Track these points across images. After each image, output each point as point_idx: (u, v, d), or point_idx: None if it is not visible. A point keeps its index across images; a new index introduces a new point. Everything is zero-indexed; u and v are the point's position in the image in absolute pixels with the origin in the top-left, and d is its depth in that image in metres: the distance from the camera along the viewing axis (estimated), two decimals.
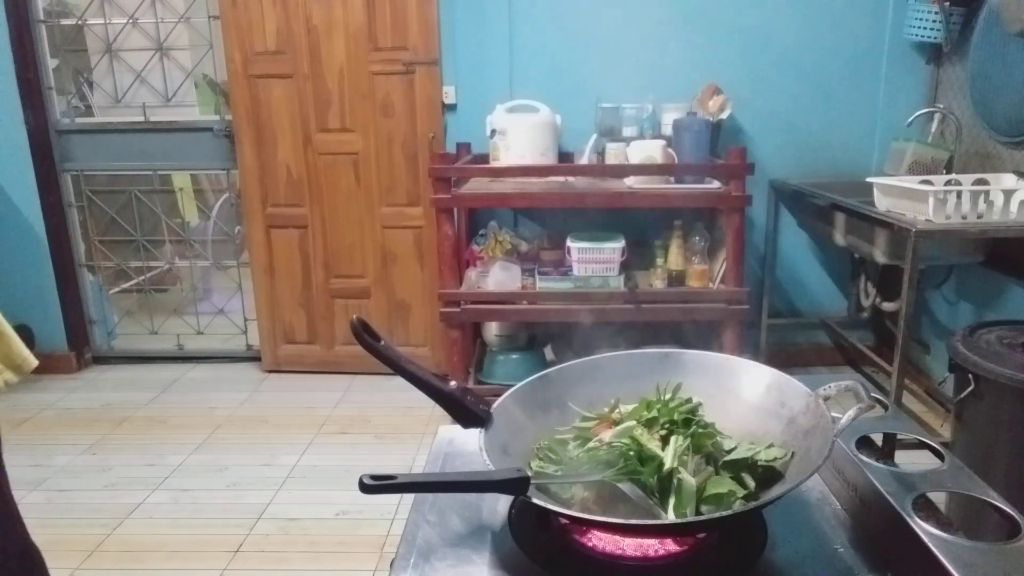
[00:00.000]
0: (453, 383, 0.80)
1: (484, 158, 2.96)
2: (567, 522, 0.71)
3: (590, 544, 0.71)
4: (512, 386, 0.85)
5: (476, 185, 2.86)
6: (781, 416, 0.78)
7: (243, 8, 3.12)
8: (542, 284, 2.79)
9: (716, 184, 2.74)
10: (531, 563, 0.70)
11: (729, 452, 0.74)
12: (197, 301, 3.83)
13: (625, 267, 2.76)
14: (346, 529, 2.26)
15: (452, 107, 3.18)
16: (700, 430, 0.74)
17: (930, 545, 0.62)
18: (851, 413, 0.70)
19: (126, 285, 3.88)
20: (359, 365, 3.32)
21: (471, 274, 2.92)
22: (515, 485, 0.68)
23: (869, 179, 2.54)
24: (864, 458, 0.77)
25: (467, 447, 0.92)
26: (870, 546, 0.72)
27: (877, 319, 3.28)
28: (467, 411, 0.77)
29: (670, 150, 2.73)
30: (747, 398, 0.82)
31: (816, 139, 3.16)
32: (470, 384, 2.89)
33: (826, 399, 0.75)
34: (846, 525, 0.76)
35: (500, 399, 0.81)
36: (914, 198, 2.29)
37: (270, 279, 3.41)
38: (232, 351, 3.65)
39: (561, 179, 2.85)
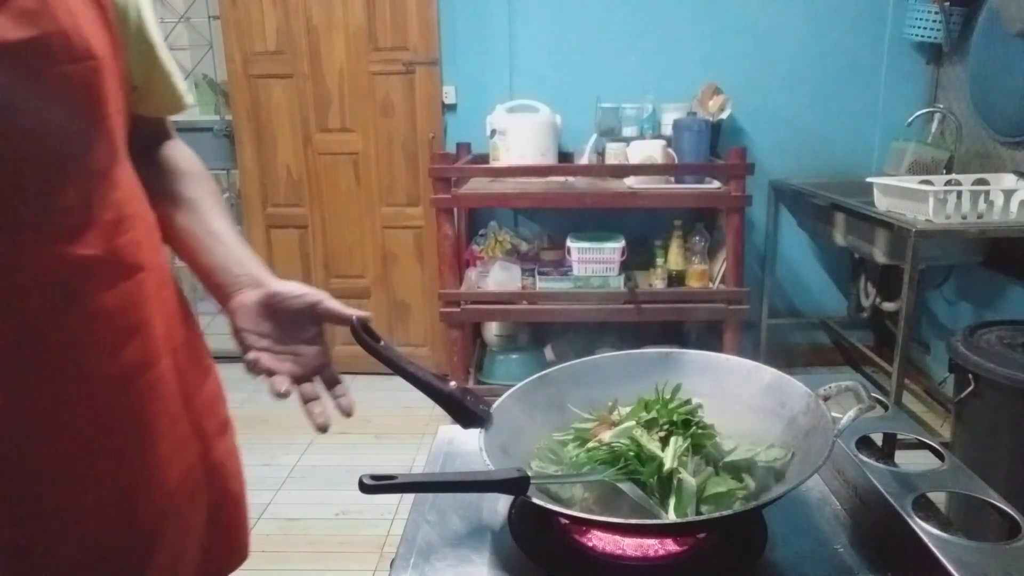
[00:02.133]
0: (453, 383, 0.80)
1: (484, 158, 2.96)
2: (567, 522, 0.71)
3: (590, 544, 0.71)
4: (512, 386, 0.85)
5: (476, 185, 2.86)
6: (781, 416, 0.78)
7: (243, 8, 3.12)
8: (542, 284, 2.79)
9: (716, 184, 2.74)
10: (531, 563, 0.70)
11: (729, 453, 0.74)
12: (197, 301, 3.82)
13: (625, 267, 2.76)
14: (346, 529, 2.26)
15: (452, 107, 3.18)
16: (700, 431, 0.74)
17: (930, 545, 0.62)
18: (851, 413, 0.70)
19: None
20: (359, 365, 3.29)
21: (471, 274, 2.92)
22: (515, 485, 0.68)
23: (869, 179, 2.54)
24: (864, 458, 0.77)
25: (467, 447, 0.92)
26: (870, 546, 0.72)
27: (877, 319, 3.28)
28: (467, 411, 0.77)
29: (670, 150, 2.73)
30: (747, 398, 0.82)
31: (816, 139, 3.16)
32: (470, 384, 2.89)
33: (826, 399, 0.75)
34: (846, 525, 0.76)
35: (500, 399, 0.81)
36: (914, 198, 2.29)
37: None
38: (232, 351, 3.62)
39: (561, 179, 2.85)
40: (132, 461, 0.71)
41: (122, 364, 0.70)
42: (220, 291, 0.80)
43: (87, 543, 0.69)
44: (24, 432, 0.64)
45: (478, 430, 0.75)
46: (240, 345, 0.78)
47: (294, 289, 0.79)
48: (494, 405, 0.79)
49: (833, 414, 0.73)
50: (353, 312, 0.78)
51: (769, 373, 0.83)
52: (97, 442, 0.68)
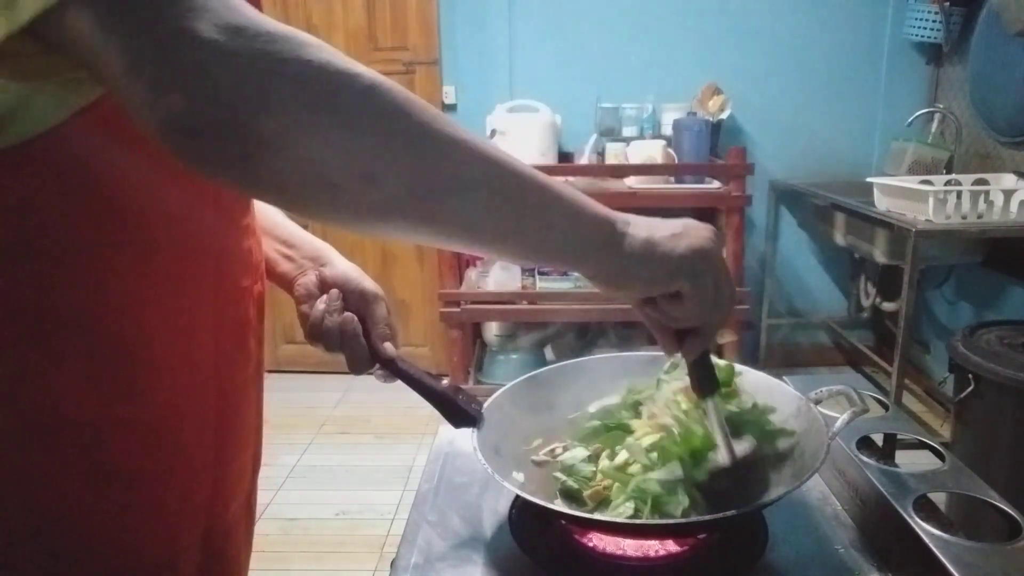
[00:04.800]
0: (445, 381, 0.79)
1: None
2: (567, 522, 0.71)
3: (590, 544, 0.71)
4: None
5: None
6: (772, 420, 0.78)
7: None
8: (542, 284, 2.79)
9: (716, 184, 2.74)
10: (531, 563, 0.70)
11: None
12: None
13: None
14: (346, 529, 2.26)
15: (452, 107, 3.18)
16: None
17: (931, 545, 0.62)
18: (846, 416, 0.71)
19: None
20: None
21: (471, 274, 2.92)
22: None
23: (869, 179, 2.55)
24: (865, 459, 0.77)
25: (468, 447, 0.92)
26: (871, 547, 0.72)
27: (877, 319, 3.28)
28: (458, 410, 0.76)
29: (670, 150, 2.73)
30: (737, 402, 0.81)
31: (816, 139, 3.16)
32: (470, 384, 2.89)
33: (817, 403, 0.75)
34: (847, 526, 0.76)
35: (491, 398, 0.80)
36: (914, 198, 2.29)
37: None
38: None
39: (561, 179, 2.85)
40: (225, 463, 0.69)
41: (256, 360, 0.72)
42: (284, 279, 0.81)
43: (170, 535, 0.63)
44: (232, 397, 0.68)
45: (471, 430, 0.75)
46: (303, 327, 0.79)
47: (347, 282, 0.81)
48: (485, 404, 0.79)
49: (831, 413, 0.73)
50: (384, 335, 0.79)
51: (757, 377, 0.82)
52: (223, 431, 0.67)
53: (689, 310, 0.60)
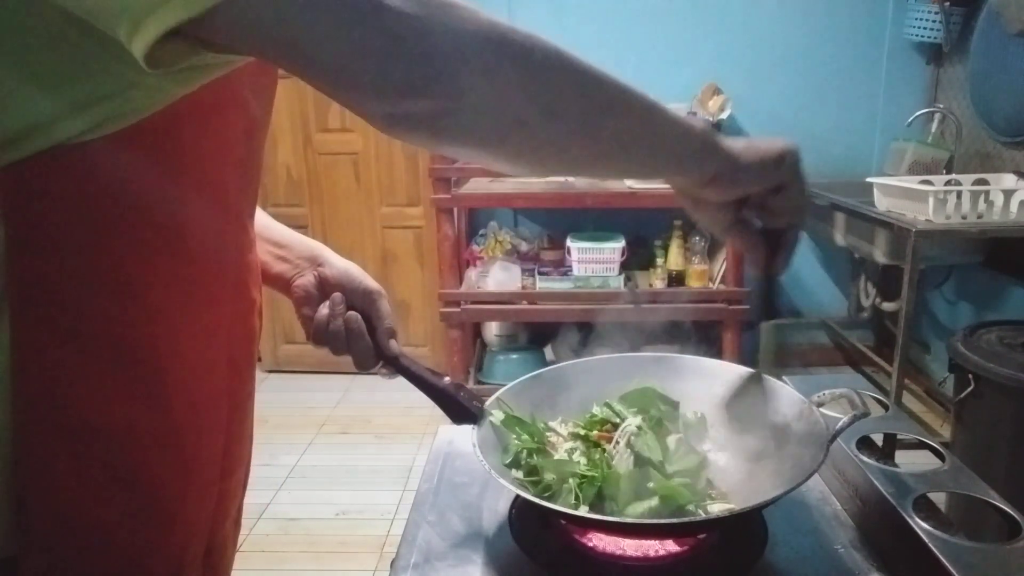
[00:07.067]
0: (447, 379, 0.80)
1: None
2: (567, 522, 0.71)
3: (590, 544, 0.71)
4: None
5: (476, 185, 2.86)
6: (775, 422, 0.78)
7: None
8: (542, 284, 2.79)
9: None
10: (531, 563, 0.70)
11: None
12: None
13: (625, 267, 2.76)
14: (346, 529, 2.26)
15: None
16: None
17: (930, 545, 0.62)
18: (846, 420, 0.71)
19: None
20: None
21: (471, 274, 2.92)
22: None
23: (869, 179, 2.54)
24: (864, 458, 0.77)
25: (468, 447, 0.92)
26: (871, 546, 0.72)
27: (877, 319, 3.28)
28: (460, 407, 0.77)
29: None
30: (741, 404, 0.81)
31: (816, 139, 3.15)
32: (470, 384, 2.89)
33: (820, 405, 0.75)
34: (847, 525, 0.76)
35: (493, 396, 0.80)
36: (914, 198, 2.29)
37: None
38: None
39: (561, 179, 2.85)
40: (227, 476, 0.69)
41: (254, 372, 0.73)
42: (280, 281, 0.81)
43: (179, 544, 0.63)
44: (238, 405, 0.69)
45: (471, 427, 0.75)
46: (305, 330, 0.79)
47: (350, 280, 0.81)
48: (488, 402, 0.79)
49: (832, 414, 0.73)
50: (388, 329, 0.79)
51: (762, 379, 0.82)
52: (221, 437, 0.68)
53: (793, 200, 0.65)
